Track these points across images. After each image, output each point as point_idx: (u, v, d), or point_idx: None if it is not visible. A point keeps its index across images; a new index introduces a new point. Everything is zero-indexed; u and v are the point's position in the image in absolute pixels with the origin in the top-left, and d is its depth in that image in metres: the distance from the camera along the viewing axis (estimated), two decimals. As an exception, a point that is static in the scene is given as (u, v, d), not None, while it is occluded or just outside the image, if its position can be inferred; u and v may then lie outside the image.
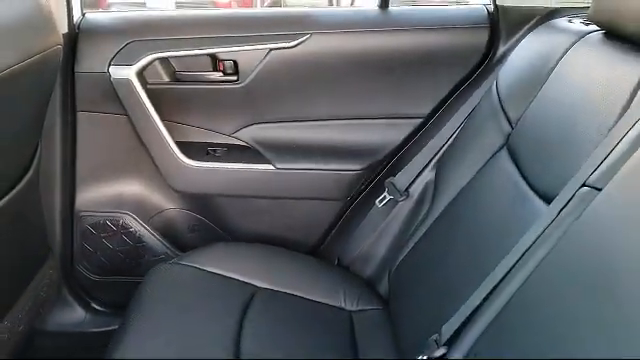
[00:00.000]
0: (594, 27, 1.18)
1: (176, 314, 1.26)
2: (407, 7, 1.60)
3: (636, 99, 0.92)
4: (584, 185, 0.90)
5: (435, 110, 1.55)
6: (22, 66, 1.05)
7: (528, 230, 0.97)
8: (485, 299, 0.98)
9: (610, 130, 0.93)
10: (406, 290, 1.34)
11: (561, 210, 0.93)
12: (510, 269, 0.96)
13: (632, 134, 0.87)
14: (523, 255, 0.95)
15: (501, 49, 1.49)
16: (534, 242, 0.94)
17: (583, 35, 1.17)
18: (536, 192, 1.05)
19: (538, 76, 1.22)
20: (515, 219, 1.04)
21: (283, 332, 1.29)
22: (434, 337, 1.03)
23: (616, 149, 0.88)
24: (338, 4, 3.89)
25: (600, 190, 0.86)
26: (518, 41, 1.41)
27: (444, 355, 0.99)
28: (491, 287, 0.97)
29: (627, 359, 0.65)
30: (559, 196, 0.95)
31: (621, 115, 0.93)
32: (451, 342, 1.00)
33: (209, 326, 1.23)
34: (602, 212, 0.83)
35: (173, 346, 1.16)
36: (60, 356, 1.70)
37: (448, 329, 1.01)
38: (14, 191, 1.23)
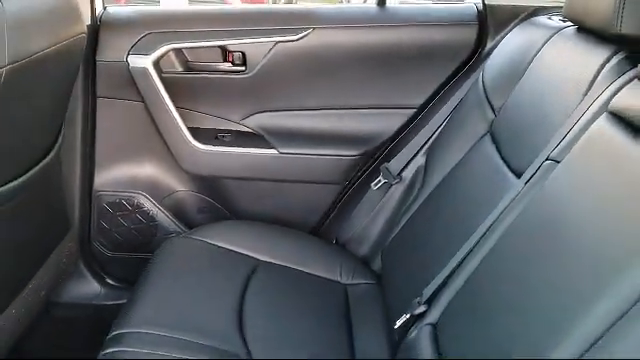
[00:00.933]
0: (569, 23, 1.29)
1: (183, 283, 1.37)
2: (403, 5, 1.72)
3: (595, 83, 1.03)
4: (547, 159, 1.02)
5: (428, 101, 1.67)
6: (51, 51, 1.18)
7: (500, 202, 1.09)
8: (460, 263, 1.09)
9: (573, 111, 1.05)
10: (396, 264, 1.45)
11: (527, 182, 1.04)
12: (482, 236, 1.07)
13: (589, 113, 0.99)
14: (493, 224, 1.06)
15: (489, 44, 1.60)
16: (502, 212, 1.06)
17: (558, 30, 1.28)
18: (510, 169, 1.17)
19: (518, 68, 1.33)
20: (492, 194, 1.15)
21: (283, 301, 1.40)
22: (417, 299, 1.15)
23: (575, 127, 1.00)
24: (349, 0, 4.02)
25: (559, 162, 0.98)
26: (505, 37, 1.53)
27: (424, 312, 1.11)
28: (465, 252, 1.09)
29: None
30: (527, 170, 1.07)
31: (583, 98, 1.04)
32: (430, 301, 1.12)
33: (214, 295, 1.34)
34: (560, 181, 0.95)
35: (179, 313, 1.26)
36: (75, 326, 1.81)
37: (428, 291, 1.13)
38: (38, 167, 1.35)
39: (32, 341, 1.66)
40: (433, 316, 1.09)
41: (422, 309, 1.12)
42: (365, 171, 1.73)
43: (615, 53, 1.05)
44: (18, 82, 1.08)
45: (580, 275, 0.77)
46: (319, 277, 1.52)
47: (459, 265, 1.09)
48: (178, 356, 1.11)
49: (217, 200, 1.81)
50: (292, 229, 1.68)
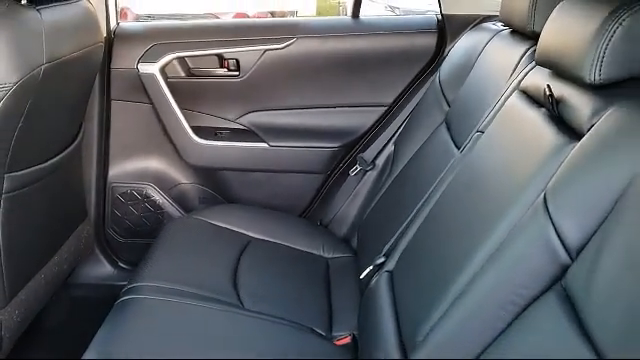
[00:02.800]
0: (508, 27, 1.55)
1: (187, 251, 1.60)
2: (374, 17, 1.98)
3: (515, 70, 1.29)
4: (477, 131, 1.27)
5: (397, 99, 1.92)
6: (77, 54, 1.45)
7: (444, 170, 1.34)
8: (411, 221, 1.34)
9: (500, 93, 1.30)
10: (368, 236, 1.69)
11: (461, 151, 1.29)
12: (427, 198, 1.32)
13: (507, 93, 1.25)
14: (436, 186, 1.31)
15: (447, 48, 1.86)
16: (442, 176, 1.30)
17: (497, 33, 1.54)
18: (455, 146, 1.41)
19: (467, 66, 1.59)
20: (440, 167, 1.40)
21: (271, 269, 1.62)
22: (379, 255, 1.39)
23: (497, 104, 1.26)
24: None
25: (483, 133, 1.23)
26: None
27: (383, 263, 1.35)
28: (415, 212, 1.33)
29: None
30: (465, 143, 1.32)
31: (506, 82, 1.29)
32: (388, 254, 1.36)
33: (212, 261, 1.57)
34: (481, 147, 1.20)
35: (184, 272, 1.48)
36: (89, 304, 2.02)
37: (387, 246, 1.37)
38: (63, 154, 1.60)
39: (51, 317, 1.86)
40: (390, 265, 1.33)
41: (382, 260, 1.36)
42: (344, 161, 1.98)
43: (532, 46, 1.30)
44: (52, 79, 1.34)
45: (489, 212, 1.01)
46: (304, 252, 1.75)
47: (410, 223, 1.33)
48: (185, 301, 1.34)
49: (216, 190, 2.06)
50: (281, 212, 1.93)
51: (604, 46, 0.87)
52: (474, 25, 1.79)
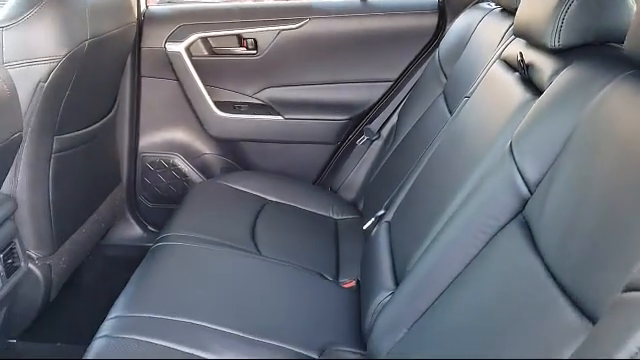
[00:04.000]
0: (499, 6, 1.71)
1: (210, 209, 1.79)
2: (380, -1, 2.15)
3: (500, 43, 1.45)
4: (465, 97, 1.44)
5: (401, 75, 2.10)
6: (114, 32, 1.65)
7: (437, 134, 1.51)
8: (408, 178, 1.51)
9: (487, 63, 1.46)
10: (372, 197, 1.87)
11: (452, 115, 1.46)
12: (422, 156, 1.49)
13: (491, 62, 1.41)
14: (431, 144, 1.48)
15: (447, 27, 2.02)
16: (435, 138, 1.48)
17: (489, 12, 1.71)
18: (450, 112, 1.58)
19: (462, 42, 1.76)
20: (436, 132, 1.57)
21: (285, 227, 1.80)
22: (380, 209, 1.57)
23: (483, 72, 1.42)
24: None
25: (469, 98, 1.40)
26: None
27: (383, 214, 1.53)
28: (411, 170, 1.51)
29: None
30: (456, 108, 1.49)
31: (493, 53, 1.46)
32: (388, 207, 1.53)
33: (233, 218, 1.76)
34: (466, 110, 1.37)
35: (209, 224, 1.67)
36: (120, 263, 2.21)
37: (388, 200, 1.55)
38: (101, 122, 1.81)
39: (86, 273, 2.07)
40: (389, 216, 1.51)
41: (382, 212, 1.54)
42: (353, 132, 2.16)
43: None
44: (94, 54, 1.54)
45: (467, 161, 1.19)
46: (315, 213, 1.93)
47: (406, 180, 1.51)
48: (210, 248, 1.53)
49: (235, 160, 2.25)
50: (294, 178, 2.11)
51: (562, 16, 1.04)
52: (471, 5, 1.94)
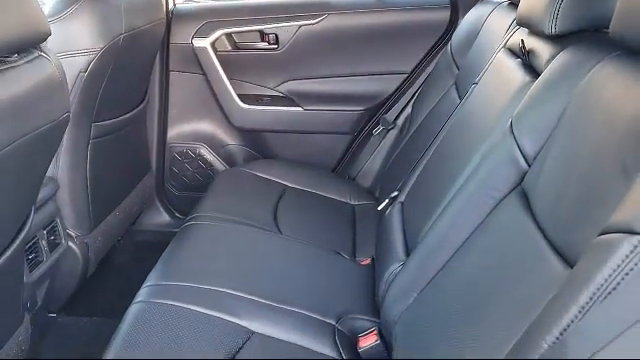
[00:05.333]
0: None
1: (234, 193, 1.91)
2: (396, -6, 2.25)
3: (507, 32, 1.54)
4: (473, 83, 1.53)
5: (415, 67, 2.19)
6: (146, 27, 1.77)
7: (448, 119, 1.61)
8: (420, 161, 1.61)
9: (495, 51, 1.56)
10: (387, 182, 1.97)
11: (461, 100, 1.56)
12: (433, 139, 1.59)
13: (499, 49, 1.50)
14: (441, 130, 1.58)
15: (459, 21, 2.11)
16: (446, 122, 1.57)
17: (498, 5, 1.80)
18: (460, 99, 1.68)
19: (472, 34, 1.85)
20: (447, 118, 1.66)
21: (304, 211, 1.91)
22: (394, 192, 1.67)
23: (490, 58, 1.51)
24: None
25: (477, 84, 1.49)
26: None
27: (397, 196, 1.63)
28: (423, 153, 1.61)
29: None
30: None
31: (500, 42, 1.55)
32: (401, 189, 1.63)
33: (256, 201, 1.87)
34: (473, 95, 1.47)
35: (234, 206, 1.79)
36: (149, 247, 2.33)
37: (401, 183, 1.65)
38: (133, 112, 1.93)
39: (117, 255, 2.21)
40: (402, 197, 1.61)
41: (395, 193, 1.64)
42: (369, 122, 2.26)
43: (520, 14, 1.55)
44: (128, 47, 1.67)
45: (473, 140, 1.29)
46: (333, 199, 2.04)
47: (418, 163, 1.61)
48: (235, 227, 1.65)
49: (257, 150, 2.37)
50: (313, 166, 2.22)
51: (559, 5, 1.13)
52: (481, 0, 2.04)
